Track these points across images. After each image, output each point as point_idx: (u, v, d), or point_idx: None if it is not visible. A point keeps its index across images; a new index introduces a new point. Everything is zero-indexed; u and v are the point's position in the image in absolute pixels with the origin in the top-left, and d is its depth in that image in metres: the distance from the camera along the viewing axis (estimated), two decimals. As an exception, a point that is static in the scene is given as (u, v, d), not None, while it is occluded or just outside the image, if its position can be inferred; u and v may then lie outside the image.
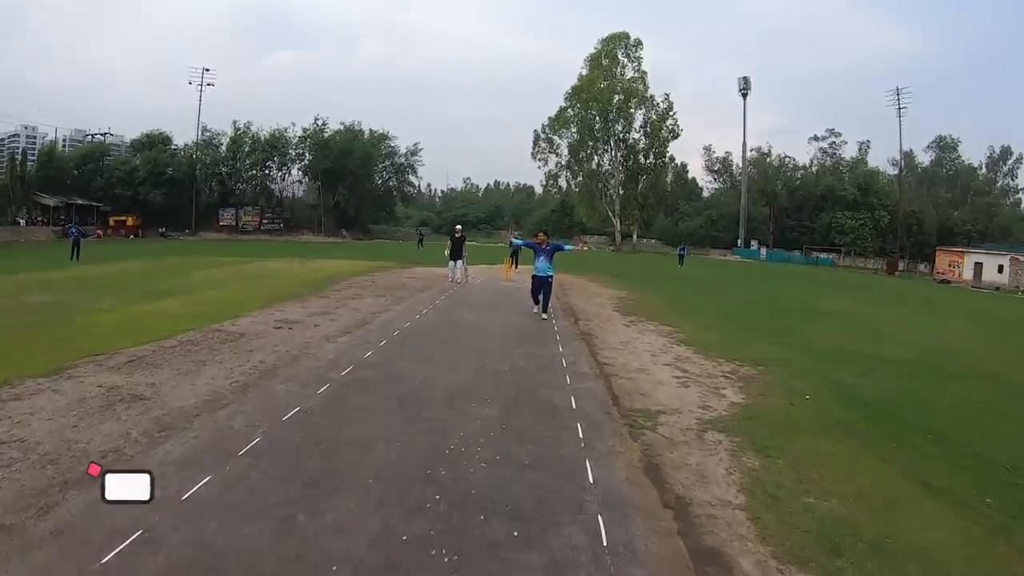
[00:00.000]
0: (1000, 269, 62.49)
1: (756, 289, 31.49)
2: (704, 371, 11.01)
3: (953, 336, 18.70)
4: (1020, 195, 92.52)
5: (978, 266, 64.61)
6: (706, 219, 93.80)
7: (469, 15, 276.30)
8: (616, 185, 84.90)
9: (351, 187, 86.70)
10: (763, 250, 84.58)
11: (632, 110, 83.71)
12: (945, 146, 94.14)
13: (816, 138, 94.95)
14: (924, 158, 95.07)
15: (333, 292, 19.94)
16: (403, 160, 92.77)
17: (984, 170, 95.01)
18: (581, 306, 19.28)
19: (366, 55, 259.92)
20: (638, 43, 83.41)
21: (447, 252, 24.97)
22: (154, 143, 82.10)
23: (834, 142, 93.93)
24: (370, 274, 27.08)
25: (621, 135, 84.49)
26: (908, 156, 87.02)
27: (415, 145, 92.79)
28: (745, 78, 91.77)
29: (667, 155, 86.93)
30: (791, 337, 15.86)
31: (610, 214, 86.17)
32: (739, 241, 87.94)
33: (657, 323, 16.51)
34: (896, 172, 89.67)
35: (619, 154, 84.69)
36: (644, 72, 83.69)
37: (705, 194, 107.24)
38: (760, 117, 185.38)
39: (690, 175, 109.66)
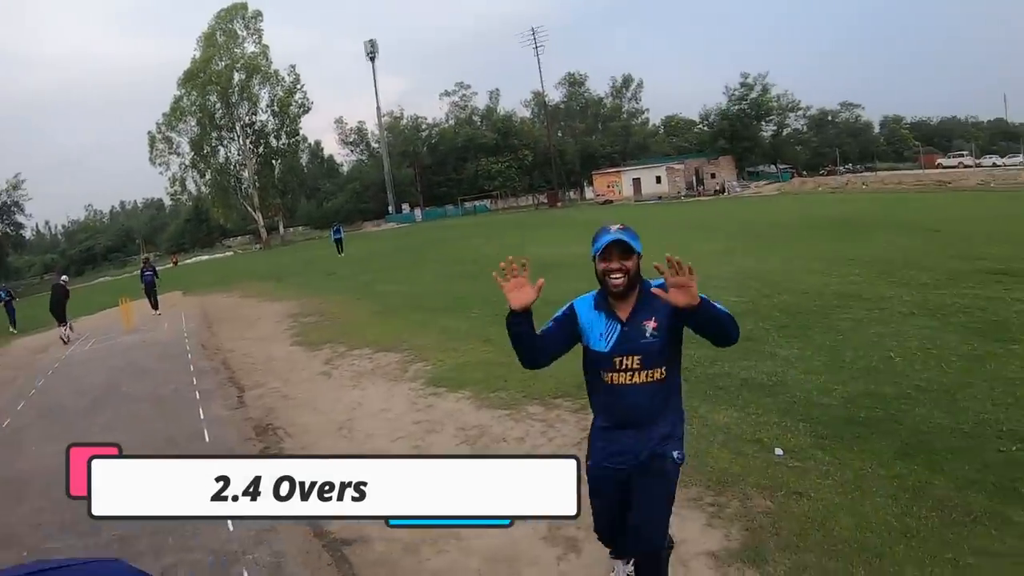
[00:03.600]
0: (658, 180, 66.79)
1: (447, 251, 26.16)
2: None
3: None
4: (646, 115, 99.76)
5: (636, 181, 68.10)
6: (351, 193, 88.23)
7: (69, 23, 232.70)
8: (251, 176, 74.85)
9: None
10: (417, 211, 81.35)
11: (256, 89, 73.57)
12: (574, 82, 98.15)
13: (447, 93, 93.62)
14: (555, 95, 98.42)
15: None
16: (4, 199, 74.15)
17: (610, 98, 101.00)
18: (242, 351, 12.45)
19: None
20: (257, 14, 72.39)
21: None
22: None
23: (465, 94, 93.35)
24: None
25: (247, 119, 74.29)
26: (540, 95, 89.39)
27: (16, 178, 74.70)
28: (371, 41, 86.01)
29: (299, 133, 78.80)
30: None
31: (249, 209, 75.89)
32: (390, 208, 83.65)
33: (372, 348, 10.44)
34: (530, 113, 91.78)
35: (248, 140, 74.44)
36: (266, 46, 73.26)
37: (345, 169, 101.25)
38: (390, 84, 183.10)
39: (326, 153, 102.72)
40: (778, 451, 5.61)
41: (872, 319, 9.71)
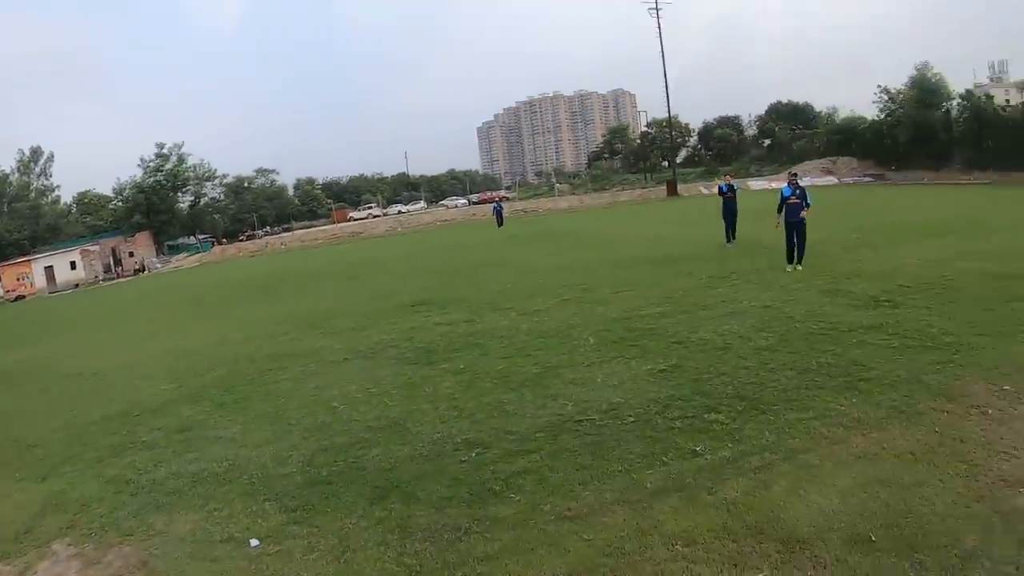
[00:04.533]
0: (73, 266, 59.66)
1: None
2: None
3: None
4: (58, 192, 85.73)
5: (49, 270, 59.29)
6: None
7: None
8: None
9: None
10: None
11: None
12: None
13: None
14: None
15: None
16: None
17: (17, 175, 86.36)
18: None
19: None
20: None
21: None
22: None
23: None
24: None
25: None
26: None
27: None
28: None
29: None
30: None
31: None
32: None
33: None
34: None
35: None
36: None
37: None
38: None
39: None
40: (253, 542, 5.17)
41: (309, 374, 9.95)
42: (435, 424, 7.10)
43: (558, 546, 4.60)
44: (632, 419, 6.60)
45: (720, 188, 19.57)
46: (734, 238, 18.67)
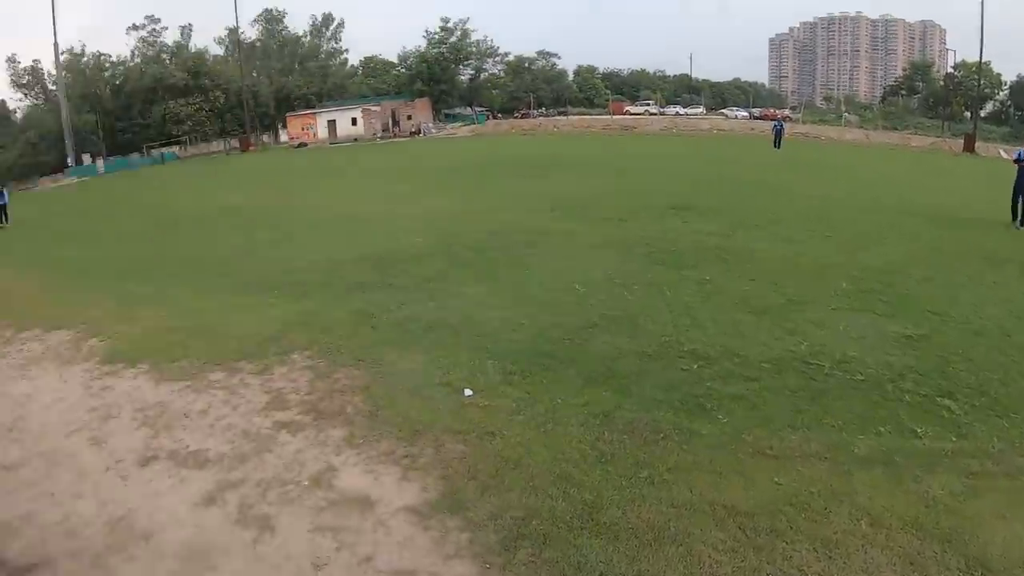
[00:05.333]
0: (354, 122, 66.13)
1: (125, 208, 23.39)
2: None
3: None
4: (345, 54, 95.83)
5: (332, 123, 66.50)
6: (25, 145, 75.78)
7: None
8: None
9: None
10: (99, 162, 71.53)
11: None
12: (272, 18, 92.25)
13: (135, 27, 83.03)
14: (252, 33, 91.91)
15: None
16: None
17: (309, 37, 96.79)
18: None
19: None
20: None
21: None
22: None
23: (155, 29, 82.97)
24: None
25: None
26: (234, 32, 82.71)
27: None
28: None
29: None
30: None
31: None
32: (69, 160, 72.92)
33: (43, 326, 8.91)
34: (224, 51, 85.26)
35: None
36: None
37: (18, 115, 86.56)
38: (72, 18, 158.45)
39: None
40: (467, 391, 5.64)
41: (558, 254, 10.29)
42: (666, 327, 7.10)
43: (748, 479, 4.53)
44: (862, 378, 6.15)
45: (1019, 154, 15.19)
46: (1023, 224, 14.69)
